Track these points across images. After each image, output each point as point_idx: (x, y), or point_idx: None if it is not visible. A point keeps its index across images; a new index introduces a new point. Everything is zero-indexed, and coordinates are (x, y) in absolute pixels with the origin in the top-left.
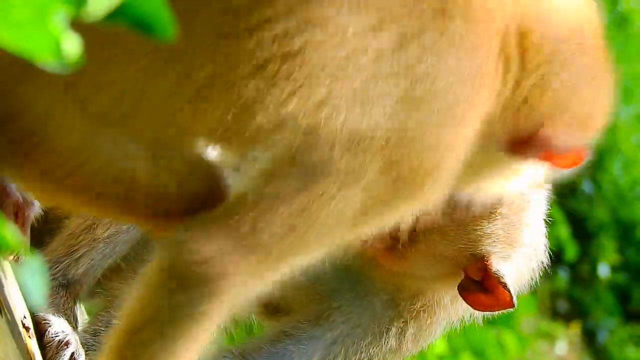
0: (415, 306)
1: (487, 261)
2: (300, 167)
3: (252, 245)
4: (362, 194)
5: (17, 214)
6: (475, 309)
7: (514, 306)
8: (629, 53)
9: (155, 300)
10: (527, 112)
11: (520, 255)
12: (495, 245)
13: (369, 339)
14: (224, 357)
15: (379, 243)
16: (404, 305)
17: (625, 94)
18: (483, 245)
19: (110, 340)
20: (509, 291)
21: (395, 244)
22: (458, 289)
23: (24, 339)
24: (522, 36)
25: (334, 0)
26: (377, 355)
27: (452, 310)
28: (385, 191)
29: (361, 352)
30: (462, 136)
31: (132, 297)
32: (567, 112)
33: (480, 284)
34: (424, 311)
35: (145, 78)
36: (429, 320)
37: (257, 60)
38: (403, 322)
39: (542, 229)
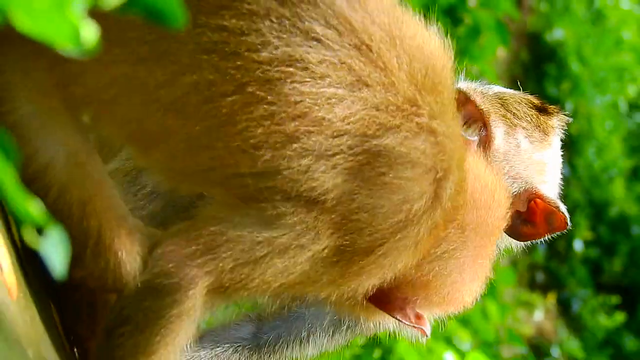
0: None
1: (537, 192)
2: (255, 210)
3: (207, 265)
4: (310, 257)
5: None
6: (523, 241)
7: (569, 226)
8: (603, 47)
9: (133, 303)
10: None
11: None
12: (540, 180)
13: None
14: (243, 320)
15: None
16: None
17: (600, 84)
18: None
19: (97, 337)
20: (565, 215)
21: None
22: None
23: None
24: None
25: (319, 49)
26: None
27: None
28: (336, 258)
29: None
30: (399, 236)
31: (114, 303)
32: (431, 293)
33: (525, 218)
34: None
35: (134, 73)
36: None
37: (237, 81)
38: None
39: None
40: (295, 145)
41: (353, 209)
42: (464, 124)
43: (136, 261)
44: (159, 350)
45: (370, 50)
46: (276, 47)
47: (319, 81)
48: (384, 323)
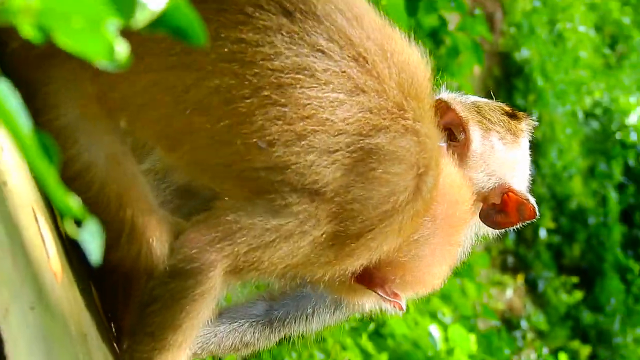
0: None
1: (510, 187)
2: (265, 201)
3: (225, 250)
4: (311, 242)
5: None
6: (498, 229)
7: (537, 215)
8: (563, 64)
9: (161, 285)
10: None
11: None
12: (511, 176)
13: None
14: (256, 299)
15: None
16: None
17: (561, 96)
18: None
19: (129, 315)
20: (534, 205)
21: None
22: (480, 217)
23: (91, 289)
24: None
25: (324, 60)
26: None
27: None
28: (330, 241)
29: None
30: (385, 223)
31: (145, 285)
32: (407, 273)
33: (499, 209)
34: None
35: (164, 80)
36: None
37: (254, 86)
38: None
39: None
40: (303, 142)
41: (348, 200)
42: (446, 129)
43: (164, 247)
44: (184, 325)
45: (366, 62)
46: (287, 57)
47: (323, 87)
48: (366, 300)
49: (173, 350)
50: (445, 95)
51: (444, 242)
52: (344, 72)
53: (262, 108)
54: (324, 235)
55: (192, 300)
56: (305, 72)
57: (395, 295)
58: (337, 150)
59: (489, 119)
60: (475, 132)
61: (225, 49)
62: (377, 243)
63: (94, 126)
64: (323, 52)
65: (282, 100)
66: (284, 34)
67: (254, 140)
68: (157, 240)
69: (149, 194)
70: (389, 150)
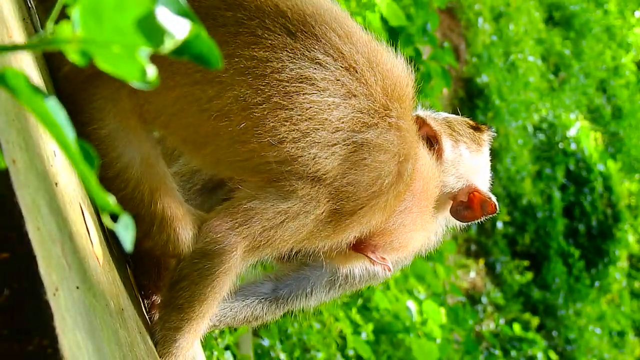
0: None
1: (475, 188)
2: (275, 188)
3: (244, 232)
4: (315, 219)
5: None
6: (465, 222)
7: (497, 211)
8: (516, 87)
9: (189, 265)
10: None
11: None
12: (476, 179)
13: (362, 265)
14: (264, 279)
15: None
16: None
17: (514, 113)
18: (468, 179)
19: (162, 291)
20: (495, 203)
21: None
22: (450, 213)
23: (127, 270)
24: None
25: (321, 70)
26: (369, 276)
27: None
28: (328, 218)
29: (356, 274)
30: (378, 203)
31: (174, 266)
32: (393, 239)
33: (466, 205)
34: None
35: (191, 92)
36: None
37: (265, 94)
38: None
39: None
40: (307, 139)
41: (344, 184)
42: (423, 139)
43: (189, 235)
44: (209, 298)
45: (356, 71)
46: (291, 70)
47: (322, 93)
48: (359, 265)
49: (198, 319)
50: (421, 112)
51: (421, 212)
52: (338, 80)
53: (273, 112)
54: (323, 214)
55: (217, 276)
56: (307, 81)
57: (384, 259)
58: (335, 144)
59: (457, 131)
60: (446, 143)
61: (241, 65)
62: (367, 218)
63: (131, 135)
64: (320, 64)
65: (289, 105)
66: (289, 50)
67: (267, 139)
68: (183, 229)
69: (176, 192)
70: (377, 143)
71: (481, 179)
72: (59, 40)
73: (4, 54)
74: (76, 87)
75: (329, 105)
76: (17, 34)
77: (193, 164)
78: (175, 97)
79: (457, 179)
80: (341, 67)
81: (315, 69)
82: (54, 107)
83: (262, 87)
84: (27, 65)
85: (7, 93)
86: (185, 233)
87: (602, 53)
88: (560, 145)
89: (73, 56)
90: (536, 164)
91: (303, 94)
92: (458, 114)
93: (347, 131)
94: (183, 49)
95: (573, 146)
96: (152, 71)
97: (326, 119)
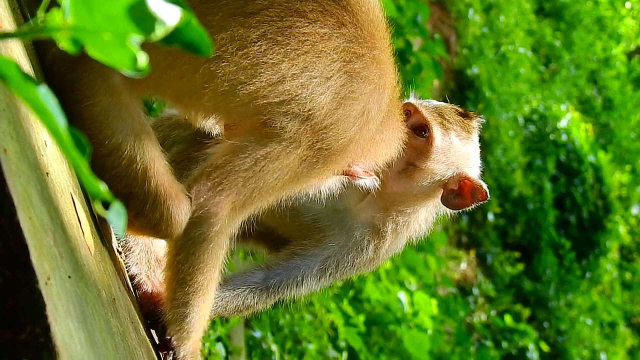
0: (388, 229)
1: (466, 175)
2: (257, 135)
3: (225, 190)
4: (297, 159)
5: None
6: (455, 210)
7: (488, 198)
8: (506, 79)
9: (183, 237)
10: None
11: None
12: (466, 166)
13: (353, 253)
14: (255, 268)
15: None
16: (381, 229)
17: (505, 105)
18: (459, 167)
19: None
20: (485, 190)
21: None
22: (441, 201)
23: (119, 260)
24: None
25: (310, 2)
26: (359, 264)
27: (411, 230)
28: (314, 157)
29: (347, 262)
30: (362, 133)
31: (169, 244)
32: (372, 154)
33: (457, 193)
34: (394, 231)
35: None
36: (396, 239)
37: (259, 31)
38: (379, 240)
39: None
40: (306, 74)
41: (332, 121)
42: (413, 128)
43: (183, 214)
44: (209, 265)
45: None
46: (280, 4)
47: (313, 24)
48: (354, 183)
49: (204, 290)
50: (412, 100)
51: (394, 130)
52: (326, 10)
53: (270, 49)
54: (306, 153)
55: (211, 241)
56: (297, 14)
57: (368, 173)
58: (331, 77)
59: (447, 119)
60: (437, 131)
61: (229, 6)
62: (356, 148)
63: (124, 111)
64: None
65: (285, 40)
66: None
67: (268, 78)
68: (175, 208)
69: (169, 171)
70: (363, 74)
71: (471, 166)
72: (50, 28)
73: None
74: (66, 66)
75: (322, 36)
76: (8, 23)
77: (187, 116)
78: (166, 50)
79: (447, 167)
80: None
81: (302, 1)
82: (45, 95)
83: (254, 25)
84: (17, 54)
85: None
86: (178, 212)
87: (592, 44)
88: (551, 137)
89: (64, 44)
90: (527, 156)
91: (296, 27)
92: (447, 102)
93: (340, 62)
94: (173, 36)
95: (564, 137)
96: (142, 58)
97: (322, 51)
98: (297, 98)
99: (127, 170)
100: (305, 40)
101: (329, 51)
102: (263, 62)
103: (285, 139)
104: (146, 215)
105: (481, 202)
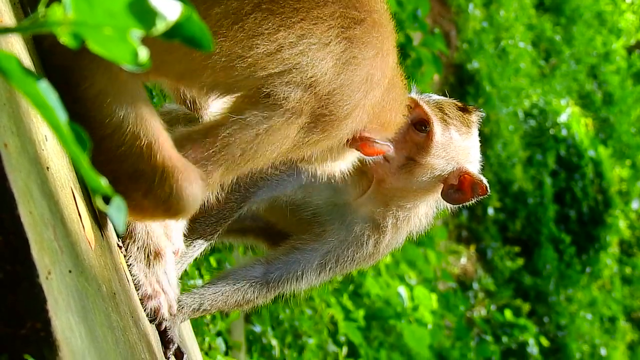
0: (388, 224)
1: (466, 170)
2: (261, 107)
3: (220, 161)
4: (298, 127)
5: None
6: (456, 204)
7: (488, 192)
8: (506, 73)
9: None
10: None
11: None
12: (466, 161)
13: (353, 248)
14: (255, 263)
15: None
16: (381, 224)
17: (505, 99)
18: (459, 161)
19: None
20: (486, 184)
21: (407, 162)
22: (441, 196)
23: (118, 255)
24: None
25: None
26: (359, 258)
27: (411, 225)
28: (316, 125)
29: (347, 256)
30: (367, 99)
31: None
32: (379, 122)
33: (457, 188)
34: (394, 226)
35: None
36: (396, 233)
37: (253, 2)
38: (379, 235)
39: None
40: (304, 41)
41: (336, 87)
42: (414, 123)
43: (193, 188)
44: None
45: None
46: None
47: None
48: (361, 156)
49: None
50: (414, 94)
51: (401, 95)
52: None
53: (266, 19)
54: (308, 121)
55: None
56: None
57: (382, 139)
58: (329, 43)
59: (447, 114)
60: (437, 127)
61: None
62: (362, 115)
63: (123, 90)
64: None
65: (279, 8)
66: None
67: (265, 49)
68: (184, 181)
69: (174, 147)
70: (365, 40)
71: (471, 161)
72: (51, 23)
73: None
74: (63, 52)
75: (317, 3)
76: (8, 18)
77: (191, 93)
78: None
79: (447, 162)
80: None
81: None
82: (46, 90)
83: None
84: (17, 49)
85: None
86: (187, 185)
87: (592, 39)
88: (551, 132)
89: (65, 38)
90: (527, 150)
91: None
92: (447, 96)
93: (338, 27)
94: (174, 31)
95: (564, 132)
96: (143, 53)
97: (318, 17)
98: (297, 66)
99: (132, 147)
100: (300, 8)
101: (325, 17)
102: (259, 33)
103: (288, 109)
104: (156, 191)
105: (481, 197)
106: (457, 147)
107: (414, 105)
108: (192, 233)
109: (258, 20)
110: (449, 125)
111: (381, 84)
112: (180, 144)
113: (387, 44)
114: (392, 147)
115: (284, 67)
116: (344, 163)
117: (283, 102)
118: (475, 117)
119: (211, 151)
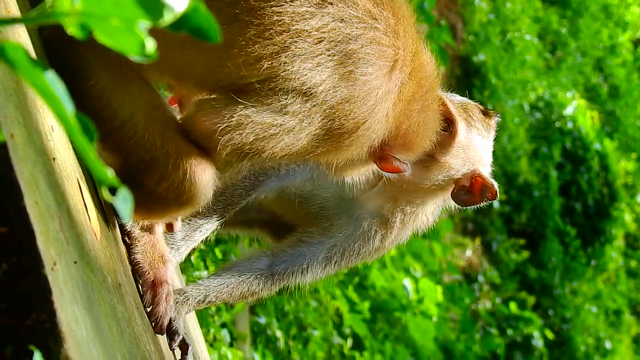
0: (396, 220)
1: (479, 173)
2: (267, 105)
3: (235, 137)
4: (308, 135)
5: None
6: (464, 206)
7: (497, 197)
8: (512, 66)
9: None
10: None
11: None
12: (481, 164)
13: (359, 242)
14: (261, 255)
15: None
16: (389, 220)
17: (510, 92)
18: (474, 164)
19: None
20: (496, 189)
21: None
22: (451, 196)
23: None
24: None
25: None
26: (365, 253)
27: (418, 222)
28: (328, 136)
29: (353, 250)
30: (374, 114)
31: None
32: (403, 140)
33: (467, 190)
34: (401, 222)
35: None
36: (403, 230)
37: (229, 14)
38: (386, 230)
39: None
40: (287, 52)
41: (338, 101)
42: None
43: (206, 173)
44: None
45: None
46: None
47: (291, 3)
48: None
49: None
50: (440, 92)
51: (427, 111)
52: None
53: (241, 31)
54: (318, 131)
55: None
56: None
57: (399, 160)
58: (319, 55)
59: (471, 116)
60: (462, 127)
61: None
62: (372, 130)
63: (128, 82)
64: None
65: (256, 20)
66: None
67: (243, 59)
68: (198, 166)
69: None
70: (363, 55)
71: (485, 164)
72: (58, 13)
73: (3, 28)
74: (66, 48)
75: (302, 15)
76: (15, 9)
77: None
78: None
79: (464, 163)
80: None
81: None
82: (53, 80)
83: (224, 8)
84: (24, 40)
85: (6, 67)
86: (200, 170)
87: (598, 32)
88: (557, 124)
89: (72, 29)
90: (532, 143)
91: (268, 7)
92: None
93: (331, 42)
94: (182, 22)
95: (569, 125)
96: (150, 44)
97: (303, 30)
98: (281, 74)
99: (144, 136)
100: (279, 20)
101: (311, 31)
102: (235, 45)
103: (294, 113)
104: (169, 176)
105: (489, 201)
106: (476, 149)
107: (441, 104)
108: (200, 217)
109: (234, 31)
110: (472, 127)
111: (390, 98)
112: (199, 106)
113: (397, 54)
114: (410, 169)
115: (264, 74)
116: (360, 173)
117: (281, 104)
118: (494, 122)
119: (225, 125)
